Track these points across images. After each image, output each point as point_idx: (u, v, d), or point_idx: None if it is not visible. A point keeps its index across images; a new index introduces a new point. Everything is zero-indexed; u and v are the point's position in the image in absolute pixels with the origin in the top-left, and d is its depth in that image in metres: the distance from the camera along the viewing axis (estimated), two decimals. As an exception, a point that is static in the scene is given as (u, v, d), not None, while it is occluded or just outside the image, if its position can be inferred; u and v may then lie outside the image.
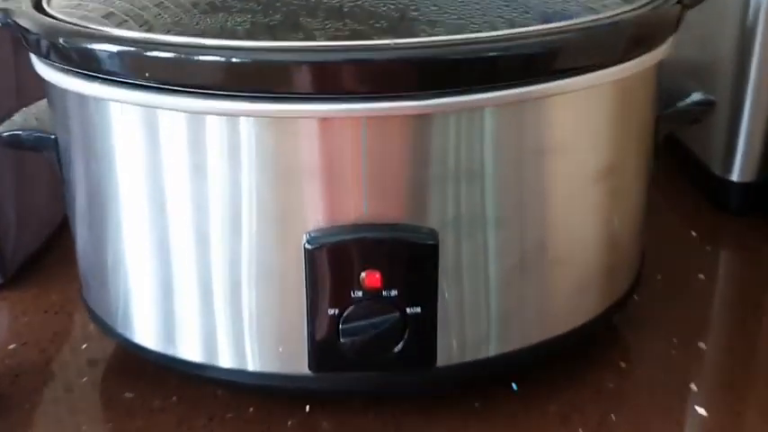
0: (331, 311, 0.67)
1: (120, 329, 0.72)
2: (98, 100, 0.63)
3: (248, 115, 0.60)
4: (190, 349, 0.70)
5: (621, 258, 0.73)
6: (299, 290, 0.65)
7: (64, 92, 0.64)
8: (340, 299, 0.66)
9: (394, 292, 0.67)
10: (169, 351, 0.70)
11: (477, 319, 0.68)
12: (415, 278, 0.65)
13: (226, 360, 0.69)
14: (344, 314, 0.67)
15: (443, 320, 0.68)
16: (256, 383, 0.69)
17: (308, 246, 0.64)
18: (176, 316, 0.69)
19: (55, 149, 0.70)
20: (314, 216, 0.63)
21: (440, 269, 0.64)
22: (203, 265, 0.67)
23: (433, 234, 0.64)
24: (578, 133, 0.65)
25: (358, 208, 0.63)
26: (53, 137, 0.69)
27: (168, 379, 0.73)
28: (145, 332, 0.71)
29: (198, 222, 0.65)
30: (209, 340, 0.69)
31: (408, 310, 0.67)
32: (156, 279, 0.68)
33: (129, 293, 0.70)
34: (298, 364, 0.67)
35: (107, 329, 0.72)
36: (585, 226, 0.69)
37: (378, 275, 0.66)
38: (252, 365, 0.68)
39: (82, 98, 0.63)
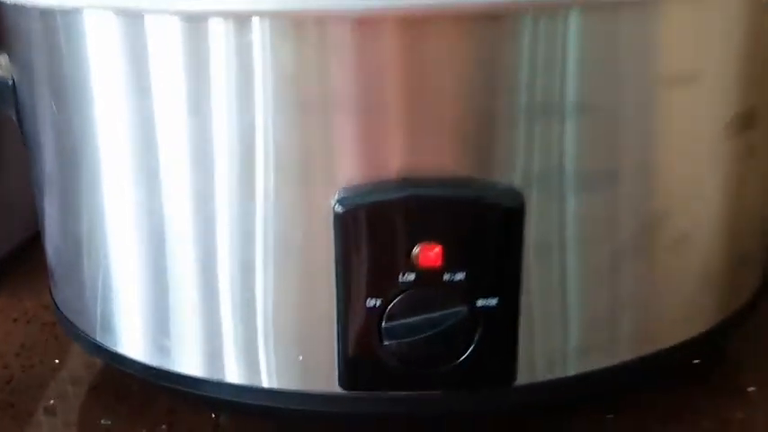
0: (370, 303, 0.52)
1: (97, 336, 0.60)
2: (66, 13, 0.50)
3: (262, 15, 0.46)
4: (186, 360, 0.57)
5: (751, 249, 0.59)
6: (327, 272, 0.51)
7: (21, 12, 0.53)
8: (383, 285, 0.51)
9: (460, 276, 0.52)
10: (160, 363, 0.57)
11: (572, 320, 0.54)
12: (490, 256, 0.50)
13: (233, 374, 0.56)
14: (389, 307, 0.52)
15: (528, 319, 0.53)
16: (270, 405, 0.55)
17: (338, 209, 0.50)
18: (170, 315, 0.56)
19: (13, 99, 0.59)
20: (347, 167, 0.49)
21: (525, 244, 0.50)
22: (205, 241, 0.53)
23: (516, 194, 0.50)
24: (704, 59, 0.50)
25: (407, 155, 0.49)
26: (10, 82, 0.59)
27: (158, 401, 0.63)
28: (129, 339, 0.58)
29: (197, 179, 0.52)
30: (212, 347, 0.56)
31: (480, 302, 0.52)
32: (144, 265, 0.56)
33: (110, 287, 0.57)
34: (325, 378, 0.53)
35: (81, 337, 0.61)
36: (711, 197, 0.55)
37: (437, 251, 0.51)
38: (266, 381, 0.55)
39: (46, 16, 0.52)
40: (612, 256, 0.52)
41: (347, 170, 0.49)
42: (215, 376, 0.55)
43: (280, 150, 0.49)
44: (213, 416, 0.61)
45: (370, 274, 0.50)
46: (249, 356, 0.54)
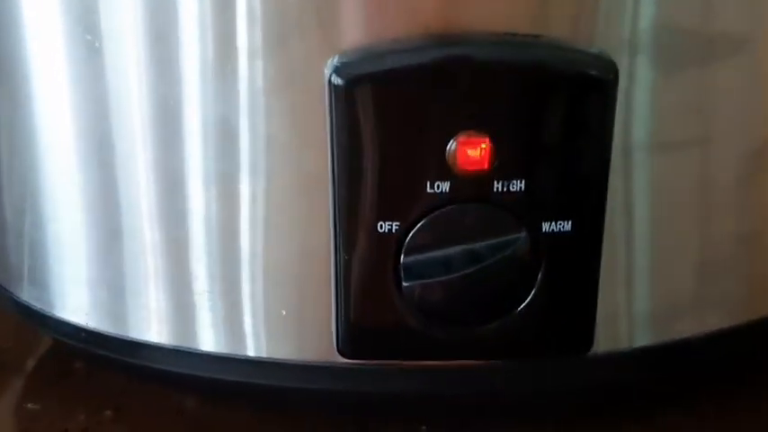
0: (382, 227, 0.37)
1: (23, 294, 0.45)
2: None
3: None
4: (145, 324, 0.42)
5: None
6: (322, 182, 0.37)
7: None
8: (401, 200, 0.36)
9: (517, 185, 0.35)
10: (109, 328, 0.43)
11: (671, 263, 0.40)
12: (564, 156, 0.35)
13: (208, 341, 0.41)
14: (410, 234, 0.36)
15: (611, 257, 0.38)
16: (252, 382, 0.41)
17: (335, 80, 0.35)
18: (123, 261, 0.42)
19: None
20: (349, 20, 0.36)
21: (627, 141, 0.37)
22: (168, 147, 0.39)
23: (607, 63, 0.35)
24: None
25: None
26: None
27: (105, 379, 0.48)
28: (67, 296, 0.44)
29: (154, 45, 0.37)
30: (179, 304, 0.42)
31: (546, 226, 0.36)
32: (85, 189, 0.41)
33: (39, 224, 0.43)
34: (319, 342, 0.39)
35: (3, 298, 0.46)
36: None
37: (484, 147, 0.35)
38: (252, 348, 0.41)
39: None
40: (728, 166, 0.40)
41: (350, 24, 0.35)
42: (184, 344, 0.42)
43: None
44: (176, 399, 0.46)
45: (381, 183, 0.36)
46: (227, 317, 0.41)
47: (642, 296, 0.41)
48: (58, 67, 0.40)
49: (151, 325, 0.43)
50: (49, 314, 0.45)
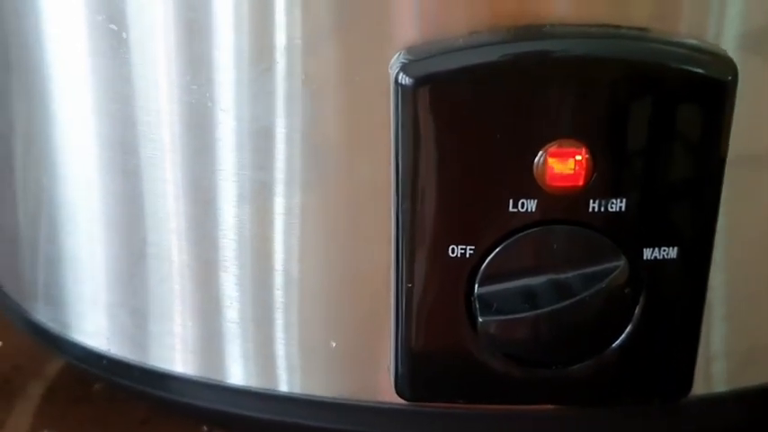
0: (455, 252, 0.31)
1: (38, 313, 0.40)
2: None
3: None
4: (170, 353, 0.37)
5: None
6: (383, 198, 0.31)
7: None
8: (477, 221, 0.30)
9: (616, 204, 0.29)
10: (131, 356, 0.38)
11: None
12: (672, 171, 0.30)
13: (236, 374, 0.36)
14: (487, 260, 0.31)
15: (719, 288, 0.32)
16: (288, 421, 0.35)
17: (403, 80, 0.29)
18: (148, 285, 0.37)
19: None
20: (416, 11, 0.30)
21: (731, 153, 0.30)
22: (197, 157, 0.34)
23: (727, 63, 0.30)
24: None
25: None
26: None
27: (128, 407, 0.44)
28: (85, 320, 0.39)
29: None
30: (207, 334, 0.36)
31: (649, 252, 0.30)
32: (107, 202, 0.36)
33: (56, 238, 0.38)
34: (375, 382, 0.34)
35: (11, 310, 0.41)
36: None
37: (580, 159, 0.29)
38: (285, 384, 0.36)
39: None
40: None
41: (417, 14, 0.29)
42: (211, 377, 0.36)
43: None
44: (205, 429, 0.42)
45: (454, 199, 0.30)
46: (261, 348, 0.36)
47: (741, 332, 0.36)
48: (78, 61, 0.35)
49: (176, 354, 0.38)
50: (66, 336, 0.40)
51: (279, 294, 0.35)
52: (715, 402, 0.36)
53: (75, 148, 0.37)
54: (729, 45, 0.31)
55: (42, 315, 0.41)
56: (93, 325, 0.40)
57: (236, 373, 0.37)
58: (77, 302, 0.40)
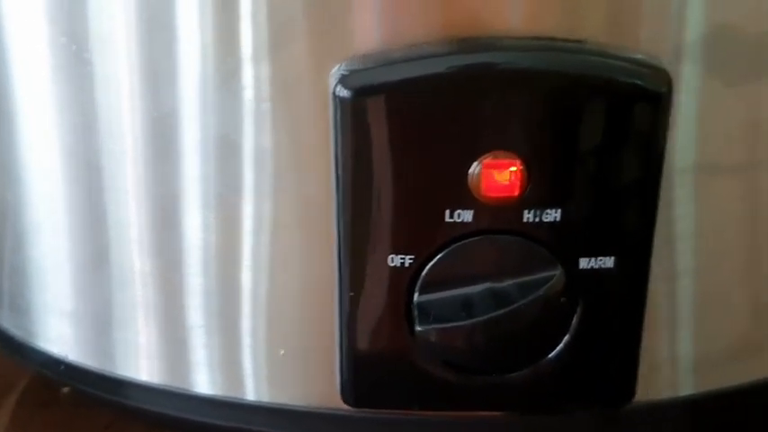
0: (394, 261, 0.31)
1: (3, 320, 0.40)
2: None
3: None
4: (135, 362, 0.37)
5: None
6: (325, 208, 0.31)
7: None
8: (416, 231, 0.31)
9: (552, 215, 0.30)
10: (97, 364, 0.37)
11: (727, 299, 0.35)
12: (608, 180, 0.31)
13: (203, 382, 0.36)
14: (426, 269, 0.31)
15: (658, 295, 0.32)
16: (244, 428, 0.35)
17: (341, 92, 0.30)
18: (111, 292, 0.37)
19: None
20: (357, 23, 0.30)
21: (670, 164, 0.31)
22: (155, 155, 0.34)
23: (661, 75, 0.30)
24: None
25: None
26: None
27: (93, 412, 0.43)
28: (50, 327, 0.39)
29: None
30: (172, 341, 0.36)
31: (585, 262, 0.31)
32: (70, 208, 0.36)
33: (21, 247, 0.38)
34: (323, 389, 0.34)
35: None
36: None
37: (514, 170, 0.30)
38: (252, 392, 0.36)
39: None
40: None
41: (359, 26, 0.30)
42: (177, 385, 0.36)
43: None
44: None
45: (393, 210, 0.30)
46: (227, 355, 0.35)
47: (687, 340, 0.35)
48: (41, 76, 0.35)
49: (140, 362, 0.38)
50: (30, 344, 0.40)
51: (241, 302, 0.35)
52: (659, 409, 0.35)
53: (38, 162, 0.37)
54: (667, 57, 0.31)
55: (7, 322, 0.41)
56: (56, 332, 0.40)
57: (201, 382, 0.37)
58: (41, 311, 0.40)
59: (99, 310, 0.38)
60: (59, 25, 0.34)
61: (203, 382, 0.37)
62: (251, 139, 0.32)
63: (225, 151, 0.33)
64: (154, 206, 0.35)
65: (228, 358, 0.36)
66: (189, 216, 0.34)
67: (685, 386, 0.36)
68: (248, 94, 0.32)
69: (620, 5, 0.31)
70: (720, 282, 0.35)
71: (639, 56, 0.30)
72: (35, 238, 0.38)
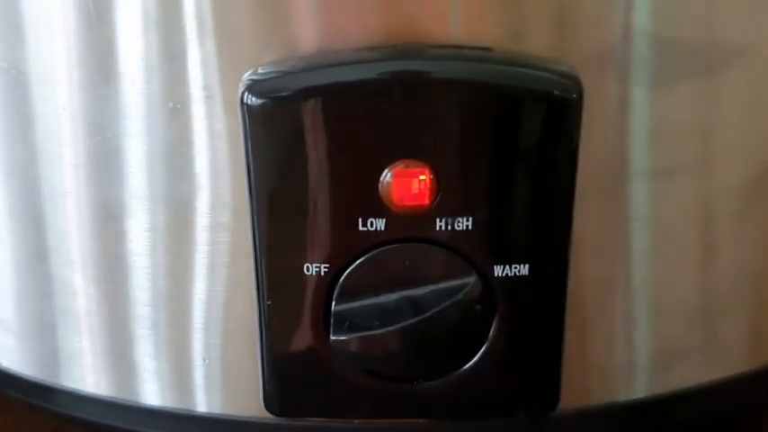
0: (310, 270, 0.31)
1: None
2: None
3: None
4: (79, 372, 0.37)
5: None
6: (241, 211, 0.31)
7: None
8: (330, 240, 0.31)
9: (463, 223, 0.30)
10: (40, 375, 0.37)
11: (646, 309, 0.34)
12: (520, 187, 0.30)
13: (152, 393, 0.36)
14: (342, 278, 0.31)
15: (578, 304, 0.32)
16: None
17: (249, 100, 0.30)
18: (54, 298, 0.36)
19: None
20: (265, 28, 0.30)
21: (587, 173, 0.30)
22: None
23: (571, 81, 0.30)
24: None
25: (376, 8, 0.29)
26: None
27: (42, 417, 0.42)
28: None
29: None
30: (117, 351, 0.36)
31: (499, 269, 0.31)
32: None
33: None
34: (246, 397, 0.33)
35: None
36: None
37: (425, 178, 0.29)
38: (203, 404, 0.35)
39: None
40: (729, 194, 0.33)
41: (269, 34, 0.29)
42: (125, 397, 0.35)
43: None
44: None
45: (306, 219, 0.30)
46: (175, 366, 0.35)
47: (634, 344, 0.35)
48: None
49: (86, 373, 0.37)
50: None
51: (200, 311, 0.34)
52: (587, 416, 0.35)
53: None
54: (578, 63, 0.30)
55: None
56: (3, 345, 0.39)
57: (151, 392, 0.36)
58: None
59: (39, 319, 0.37)
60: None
61: (152, 393, 0.36)
62: (177, 147, 0.32)
63: (154, 160, 0.32)
64: (94, 215, 0.34)
65: (172, 369, 0.36)
66: (133, 227, 0.34)
67: (615, 393, 0.36)
68: (169, 104, 0.31)
69: (558, 13, 0.30)
70: (666, 283, 0.35)
71: (549, 63, 0.29)
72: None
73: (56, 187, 0.34)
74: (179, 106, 0.30)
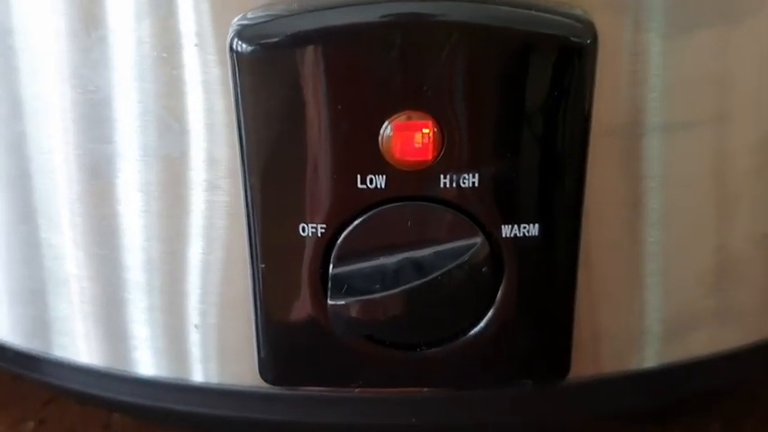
0: (306, 230, 0.28)
1: None
2: None
3: None
4: (71, 341, 0.34)
5: None
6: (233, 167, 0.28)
7: None
8: (327, 198, 0.28)
9: (469, 179, 0.27)
10: (31, 345, 0.35)
11: (661, 274, 0.32)
12: (529, 140, 0.27)
13: (146, 363, 0.33)
14: (340, 239, 0.28)
15: (589, 266, 0.30)
16: (177, 409, 0.32)
17: (238, 46, 0.27)
18: (43, 266, 0.34)
19: None
20: None
21: (594, 120, 0.27)
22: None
23: (585, 24, 0.27)
24: None
25: None
26: None
27: (31, 390, 0.42)
28: None
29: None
30: (109, 318, 0.34)
31: (507, 229, 0.28)
32: None
33: None
34: (241, 365, 0.31)
35: None
36: None
37: (428, 132, 0.27)
38: (198, 373, 0.33)
39: None
40: (748, 150, 0.30)
41: None
42: (117, 366, 0.33)
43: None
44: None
45: (302, 176, 0.27)
46: (169, 333, 0.32)
47: (648, 309, 0.32)
48: None
49: (79, 343, 0.35)
50: None
51: (195, 277, 0.32)
52: (598, 385, 0.32)
53: None
54: (591, 7, 0.27)
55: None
56: None
57: (144, 363, 0.34)
58: None
59: (27, 285, 0.35)
60: None
61: (146, 363, 0.34)
62: (162, 100, 0.29)
63: (143, 114, 0.30)
64: (81, 173, 0.32)
65: (165, 337, 0.34)
66: (123, 186, 0.31)
67: (630, 360, 0.33)
68: (155, 53, 0.28)
69: None
70: (680, 247, 0.32)
71: (562, 7, 0.26)
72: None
73: (41, 144, 0.31)
74: (165, 55, 0.27)
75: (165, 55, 0.28)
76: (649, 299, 0.33)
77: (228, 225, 0.31)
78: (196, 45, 0.28)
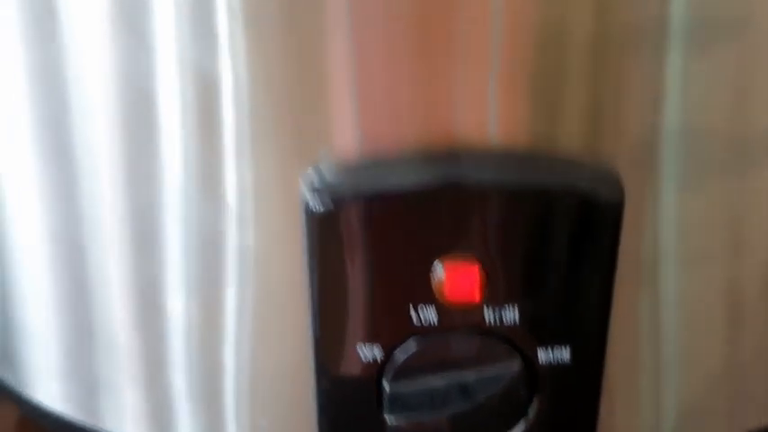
0: (364, 353, 0.31)
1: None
2: None
3: None
4: (120, 418, 0.37)
5: None
6: (298, 306, 0.32)
7: None
8: (384, 326, 0.31)
9: (510, 314, 0.30)
10: (83, 417, 0.37)
11: (678, 385, 0.34)
12: (564, 280, 0.30)
13: None
14: (395, 360, 0.31)
15: (613, 383, 0.32)
16: None
17: (312, 204, 0.30)
18: (96, 351, 0.37)
19: None
20: (332, 130, 0.30)
21: (621, 262, 0.30)
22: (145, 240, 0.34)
23: (614, 182, 0.30)
24: None
25: (434, 116, 0.30)
26: None
27: None
28: (38, 377, 0.38)
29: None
30: (157, 404, 0.36)
31: (543, 354, 0.31)
32: (54, 273, 0.36)
33: (9, 295, 0.37)
34: None
35: None
36: None
37: (474, 273, 0.29)
38: None
39: None
40: (739, 286, 0.34)
41: (333, 135, 0.29)
42: None
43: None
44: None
45: (362, 306, 0.31)
46: (211, 421, 0.35)
47: (660, 414, 0.35)
48: (25, 167, 0.34)
49: (128, 420, 0.37)
50: (15, 390, 0.40)
51: (235, 372, 0.35)
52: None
53: (24, 242, 0.37)
54: (631, 160, 0.30)
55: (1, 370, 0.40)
56: (46, 387, 0.39)
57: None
58: (32, 367, 0.40)
59: (86, 374, 0.38)
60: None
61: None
62: (233, 236, 0.33)
63: (206, 246, 0.33)
64: (136, 289, 0.35)
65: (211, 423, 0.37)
66: (171, 299, 0.35)
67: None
68: (228, 194, 0.32)
69: (593, 114, 0.31)
70: (697, 362, 0.35)
71: (596, 165, 0.30)
72: (22, 309, 0.38)
73: (100, 260, 0.34)
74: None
75: (246, 202, 0.32)
76: (663, 403, 0.37)
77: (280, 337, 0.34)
78: (270, 193, 0.31)
